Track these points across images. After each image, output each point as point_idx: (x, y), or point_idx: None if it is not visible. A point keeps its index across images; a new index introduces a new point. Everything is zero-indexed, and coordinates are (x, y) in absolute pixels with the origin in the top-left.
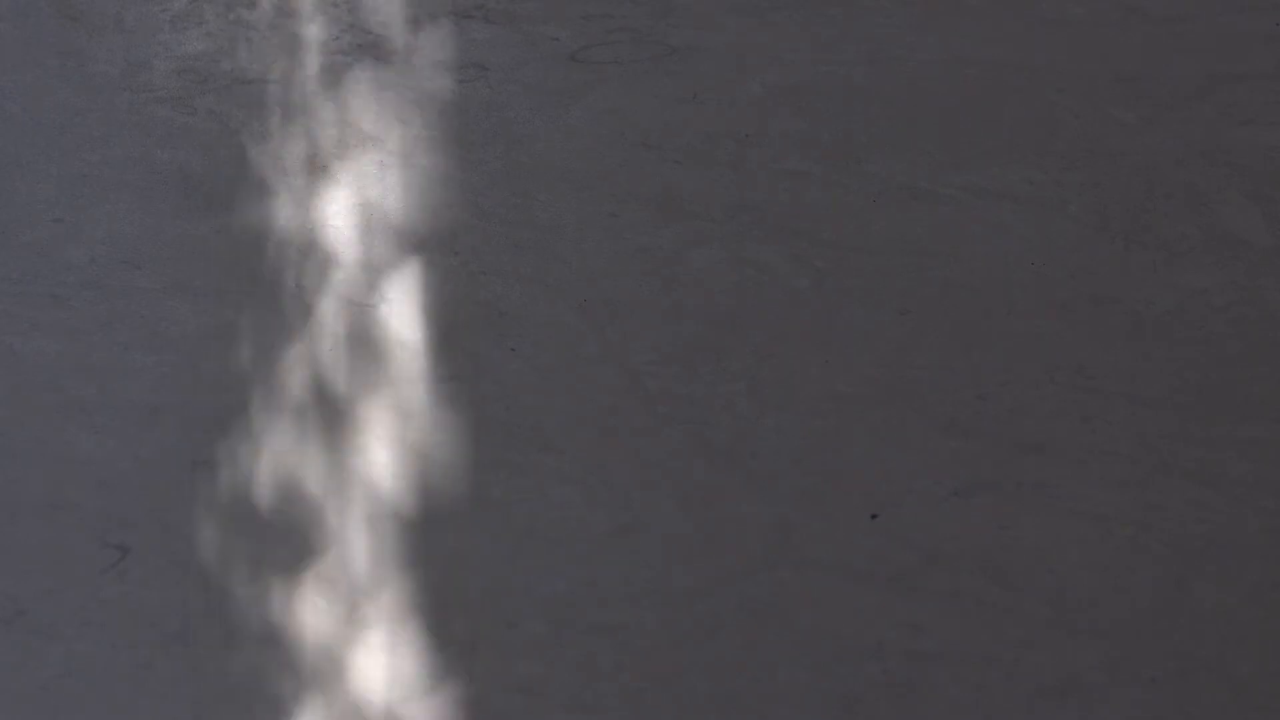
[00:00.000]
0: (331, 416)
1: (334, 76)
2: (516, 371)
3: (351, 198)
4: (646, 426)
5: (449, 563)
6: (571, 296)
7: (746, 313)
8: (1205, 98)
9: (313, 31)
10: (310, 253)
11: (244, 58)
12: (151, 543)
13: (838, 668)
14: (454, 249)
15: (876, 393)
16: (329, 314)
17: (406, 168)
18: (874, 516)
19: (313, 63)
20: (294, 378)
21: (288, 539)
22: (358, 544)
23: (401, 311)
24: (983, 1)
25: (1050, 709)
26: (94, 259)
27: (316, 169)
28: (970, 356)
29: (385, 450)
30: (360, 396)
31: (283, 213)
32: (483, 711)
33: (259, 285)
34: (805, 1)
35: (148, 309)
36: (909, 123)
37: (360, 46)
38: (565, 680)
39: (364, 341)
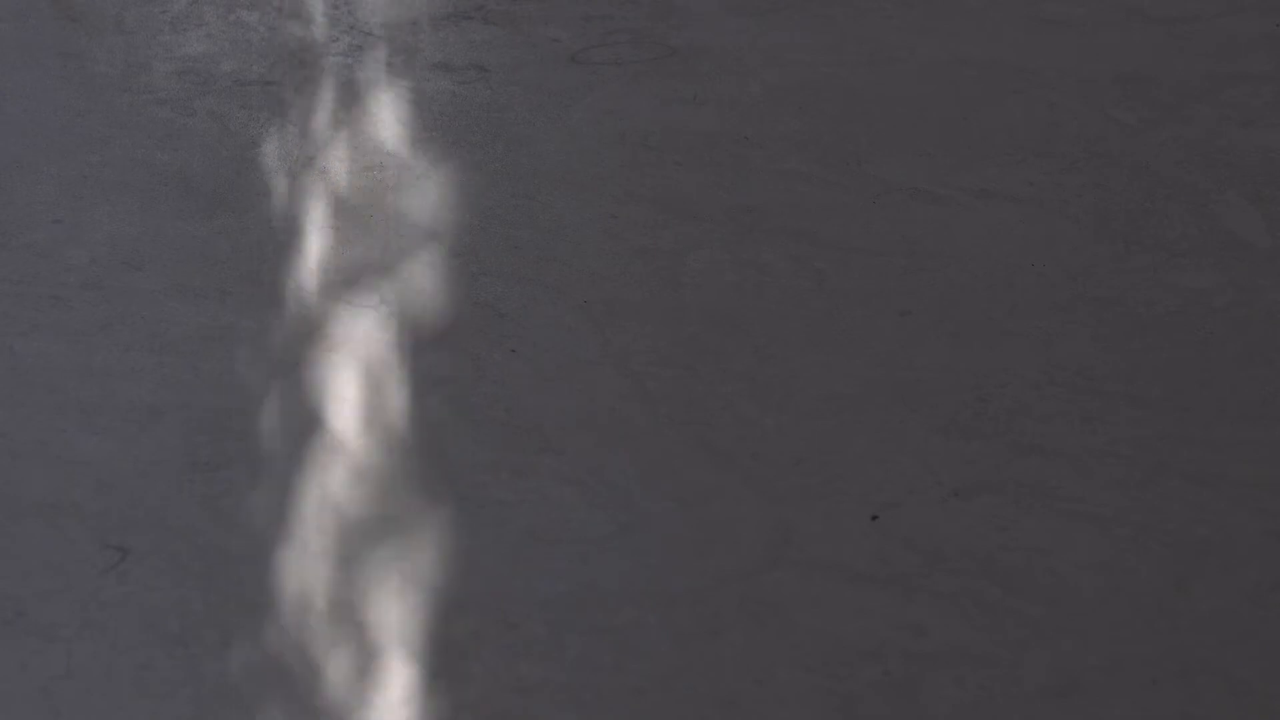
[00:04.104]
0: (332, 417)
1: (334, 78)
2: (516, 372)
3: (352, 199)
4: (646, 427)
5: (449, 563)
6: (571, 297)
7: (746, 313)
8: (1205, 98)
9: (313, 33)
10: (310, 254)
11: (244, 59)
12: (151, 543)
13: (838, 668)
14: (454, 249)
15: (876, 393)
16: (329, 316)
17: (406, 169)
18: (874, 517)
19: (313, 64)
20: (293, 379)
21: (286, 540)
22: (356, 545)
23: (402, 312)
24: (983, 2)
25: (1050, 709)
26: (94, 260)
27: (316, 171)
28: (970, 356)
29: (385, 451)
30: (360, 397)
31: (283, 214)
32: (483, 712)
33: (259, 286)
34: (805, 2)
35: (148, 310)
36: (909, 123)
37: (360, 48)
38: (565, 680)
39: (364, 343)
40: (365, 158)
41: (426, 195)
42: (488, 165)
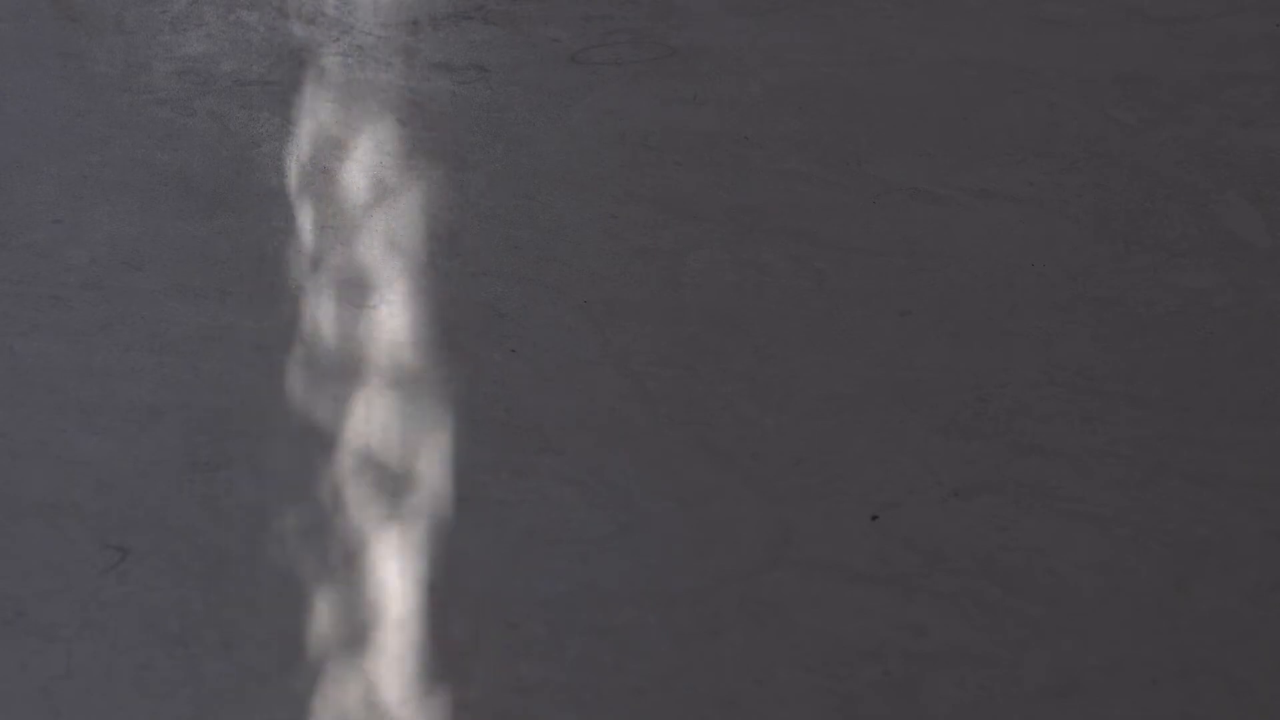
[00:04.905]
0: (331, 417)
1: (334, 78)
2: (516, 372)
3: (352, 199)
4: (646, 427)
5: (449, 563)
6: (571, 297)
7: (746, 313)
8: (1205, 98)
9: (312, 33)
10: (310, 254)
11: (244, 59)
12: (151, 543)
13: (838, 668)
14: (454, 250)
15: (876, 393)
16: (329, 316)
17: (406, 169)
18: (874, 517)
19: (312, 64)
20: (293, 379)
21: (287, 541)
22: (356, 545)
23: (401, 313)
24: (983, 1)
25: (1050, 709)
26: (94, 260)
27: (316, 170)
28: (970, 356)
29: (385, 451)
30: (360, 398)
31: (283, 214)
32: (483, 712)
33: (259, 287)
34: (805, 2)
35: (148, 310)
36: (909, 123)
37: (360, 48)
38: (565, 680)
39: (364, 343)
40: (365, 157)
41: (426, 195)
42: (488, 165)
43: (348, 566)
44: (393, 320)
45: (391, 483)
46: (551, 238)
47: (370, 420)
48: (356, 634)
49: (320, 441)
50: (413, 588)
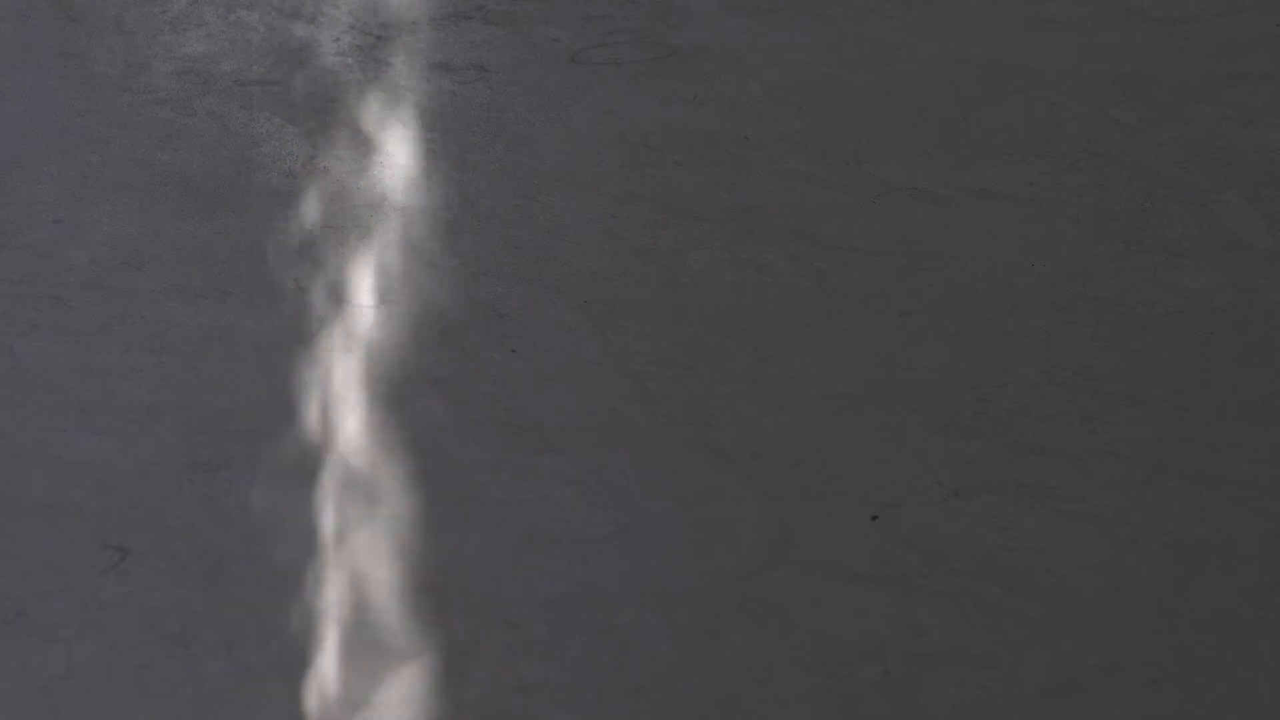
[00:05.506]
0: (331, 417)
1: (334, 78)
2: (516, 372)
3: (352, 200)
4: (646, 427)
5: (449, 563)
6: (571, 297)
7: (746, 313)
8: (1205, 98)
9: (313, 33)
10: (310, 254)
11: (244, 59)
12: (151, 543)
13: (838, 668)
14: (454, 250)
15: (876, 393)
16: (329, 316)
17: (406, 169)
18: (874, 517)
19: (312, 64)
20: (293, 379)
21: (287, 541)
22: (357, 545)
23: (402, 312)
24: (983, 1)
25: (1050, 709)
26: (94, 260)
27: (316, 171)
28: (970, 356)
29: (385, 451)
30: (360, 398)
31: (283, 214)
32: (483, 712)
33: (259, 287)
34: (805, 2)
35: (148, 310)
36: (909, 123)
37: (360, 48)
38: (565, 680)
39: (364, 343)
40: (365, 158)
41: (427, 195)
42: (488, 165)
43: (347, 566)
44: (393, 320)
45: (391, 480)
46: (551, 238)
47: (369, 419)
48: (356, 633)
49: (319, 441)
50: (412, 587)
